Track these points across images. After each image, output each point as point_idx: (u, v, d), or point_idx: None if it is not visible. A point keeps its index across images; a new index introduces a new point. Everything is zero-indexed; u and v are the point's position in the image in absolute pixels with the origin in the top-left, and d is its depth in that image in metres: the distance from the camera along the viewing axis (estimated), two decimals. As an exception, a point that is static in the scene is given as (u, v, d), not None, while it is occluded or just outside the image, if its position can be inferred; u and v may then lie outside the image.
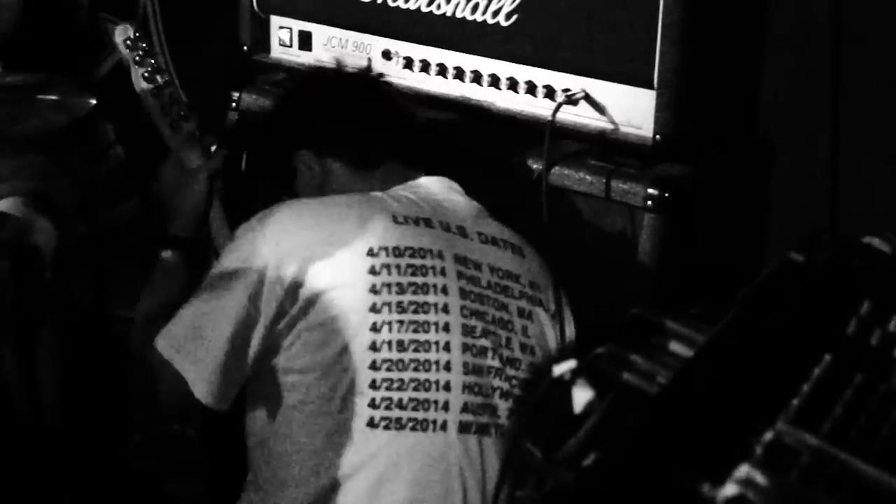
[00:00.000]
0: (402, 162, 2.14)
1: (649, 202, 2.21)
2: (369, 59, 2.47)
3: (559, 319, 2.03)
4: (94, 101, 2.45)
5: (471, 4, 2.37)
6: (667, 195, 2.20)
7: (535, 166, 2.30)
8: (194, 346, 1.89)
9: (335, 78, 2.28)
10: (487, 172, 2.27)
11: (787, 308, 1.20)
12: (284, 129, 2.21)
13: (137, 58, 2.23)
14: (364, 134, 2.16)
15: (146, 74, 2.23)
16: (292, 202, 2.03)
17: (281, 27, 2.67)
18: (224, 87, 2.79)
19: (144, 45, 2.24)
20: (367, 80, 2.28)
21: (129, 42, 2.23)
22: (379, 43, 2.53)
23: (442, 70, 2.44)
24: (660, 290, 2.21)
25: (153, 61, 2.24)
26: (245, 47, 2.71)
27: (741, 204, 2.48)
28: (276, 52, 2.70)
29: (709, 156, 2.33)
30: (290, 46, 2.67)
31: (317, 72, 2.42)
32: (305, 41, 2.65)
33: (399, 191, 2.06)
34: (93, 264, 3.09)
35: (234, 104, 2.67)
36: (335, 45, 2.60)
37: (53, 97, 2.48)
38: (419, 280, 1.91)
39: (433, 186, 2.09)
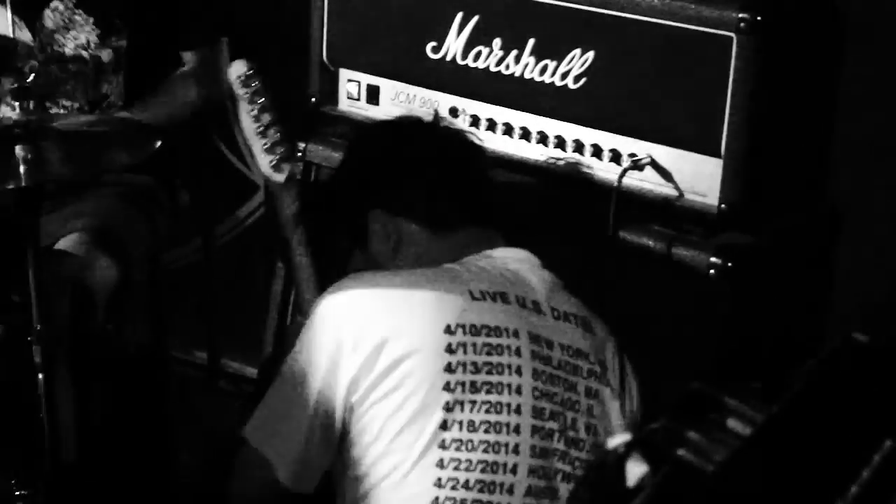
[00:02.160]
0: (479, 226, 2.10)
1: (713, 271, 2.19)
2: (435, 112, 2.45)
3: (623, 395, 2.01)
4: (159, 142, 2.49)
5: (539, 66, 2.38)
6: (730, 264, 2.19)
7: (599, 231, 2.29)
8: (279, 431, 1.91)
9: (411, 130, 2.24)
10: (550, 235, 2.26)
11: (848, 390, 1.18)
12: (355, 186, 2.19)
13: (248, 95, 2.28)
14: (441, 193, 2.11)
15: (254, 113, 2.28)
16: (367, 275, 2.01)
17: (349, 80, 2.69)
18: (289, 138, 2.81)
19: (257, 82, 2.28)
20: (445, 134, 2.23)
21: (242, 78, 2.28)
22: (446, 100, 2.54)
23: (508, 129, 2.45)
24: (721, 360, 2.19)
25: (263, 100, 2.28)
26: (313, 99, 2.73)
27: (806, 274, 2.46)
28: (344, 104, 2.71)
29: (774, 225, 2.31)
30: (358, 100, 2.69)
31: (391, 123, 2.35)
32: (373, 95, 2.66)
33: (476, 261, 2.02)
34: (153, 306, 3.12)
35: (299, 154, 2.69)
36: (403, 101, 2.62)
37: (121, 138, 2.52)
38: (494, 360, 1.89)
39: (510, 258, 2.04)
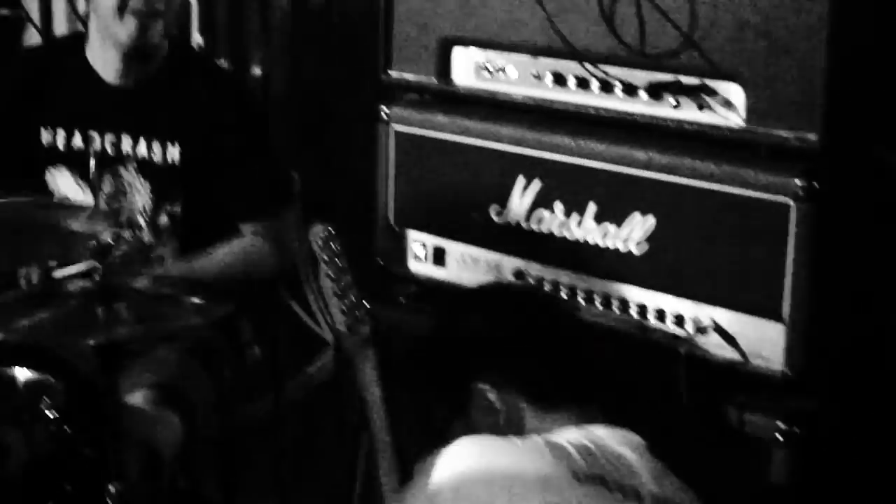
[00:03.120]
0: (582, 402, 2.07)
1: (781, 437, 2.17)
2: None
3: None
4: (233, 306, 2.53)
5: (601, 230, 2.40)
6: (799, 431, 2.17)
7: (668, 397, 2.28)
8: None
9: (516, 299, 2.25)
10: (617, 401, 2.25)
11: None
12: (460, 358, 2.15)
13: (326, 257, 2.33)
14: (547, 368, 2.09)
15: (332, 275, 2.32)
16: (467, 446, 1.97)
17: (416, 241, 2.73)
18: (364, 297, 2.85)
19: (335, 245, 2.33)
20: (548, 304, 2.26)
21: (322, 241, 2.33)
22: (511, 263, 2.56)
23: (572, 294, 2.46)
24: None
25: (341, 263, 2.33)
26: (380, 260, 2.77)
27: (876, 441, 2.42)
28: (411, 265, 2.75)
29: (842, 390, 2.29)
30: (425, 261, 2.72)
31: (493, 290, 2.36)
32: (440, 257, 2.70)
33: (579, 438, 1.97)
34: (223, 461, 3.14)
35: (373, 315, 2.72)
36: (469, 262, 2.64)
37: (196, 300, 2.56)
38: None
39: (613, 440, 1.99)
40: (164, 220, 2.96)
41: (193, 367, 2.95)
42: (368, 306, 2.33)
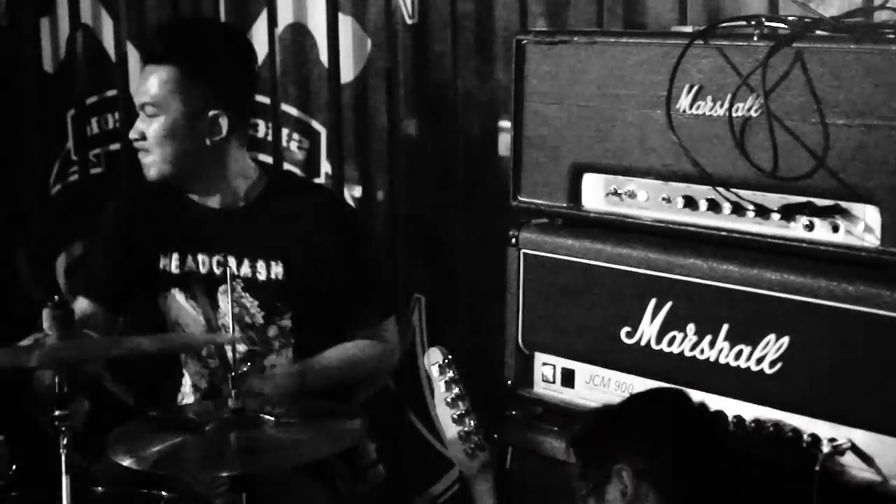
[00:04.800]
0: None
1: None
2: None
3: None
4: (360, 428, 2.56)
5: (734, 351, 2.41)
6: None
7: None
8: None
9: (669, 405, 2.31)
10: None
11: None
12: (611, 442, 2.24)
13: (445, 382, 2.34)
14: (688, 472, 2.16)
15: (450, 400, 2.34)
16: None
17: (544, 364, 2.76)
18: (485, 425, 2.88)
19: (453, 371, 2.35)
20: (698, 411, 2.30)
21: (440, 366, 2.35)
22: (640, 383, 2.58)
23: (704, 414, 2.46)
24: None
25: (458, 388, 2.35)
26: (509, 381, 2.79)
27: None
28: (539, 387, 2.77)
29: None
30: (553, 382, 2.74)
31: (653, 395, 2.43)
32: (568, 378, 2.72)
33: None
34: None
35: (495, 436, 2.75)
36: (598, 384, 2.67)
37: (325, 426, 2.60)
38: None
39: None
40: (273, 331, 3.05)
41: (314, 487, 2.99)
42: (486, 431, 2.34)
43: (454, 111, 3.58)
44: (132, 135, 3.05)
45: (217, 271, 3.07)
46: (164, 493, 2.71)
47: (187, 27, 3.29)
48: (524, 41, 2.74)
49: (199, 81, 2.99)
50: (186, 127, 3.00)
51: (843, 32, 2.36)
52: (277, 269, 3.03)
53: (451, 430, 2.36)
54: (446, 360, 2.35)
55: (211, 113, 3.00)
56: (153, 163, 3.02)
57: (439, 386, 2.36)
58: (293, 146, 3.99)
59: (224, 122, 3.01)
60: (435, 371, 2.37)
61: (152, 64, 3.02)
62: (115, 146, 4.42)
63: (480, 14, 3.58)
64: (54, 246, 4.61)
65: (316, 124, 3.94)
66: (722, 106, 2.42)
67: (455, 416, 2.35)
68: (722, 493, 2.16)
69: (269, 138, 3.97)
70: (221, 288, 3.07)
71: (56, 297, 2.45)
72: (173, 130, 2.99)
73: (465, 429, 2.34)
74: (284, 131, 3.99)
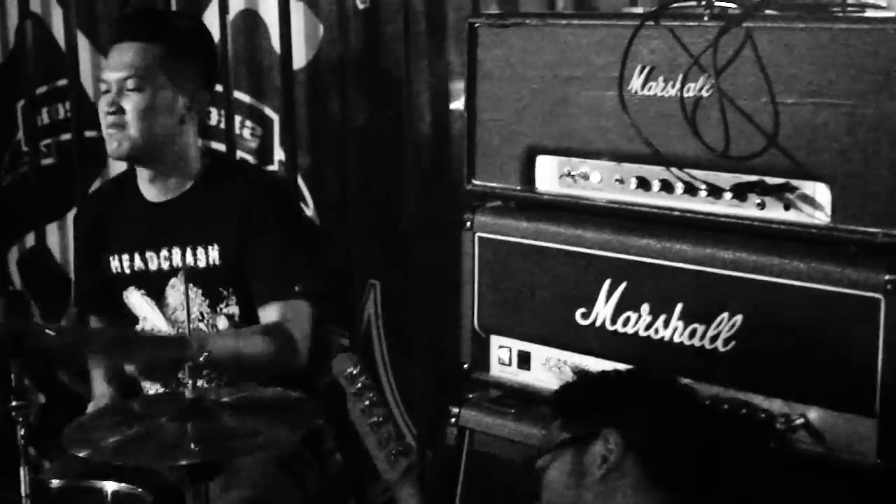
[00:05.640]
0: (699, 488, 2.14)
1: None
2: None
3: None
4: (321, 420, 2.54)
5: (688, 330, 2.43)
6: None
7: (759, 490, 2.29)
8: None
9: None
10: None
11: None
12: (609, 405, 2.24)
13: (355, 391, 2.30)
14: (678, 455, 2.17)
15: (363, 409, 2.30)
16: None
17: (500, 346, 2.76)
18: (440, 402, 2.89)
19: (364, 378, 2.30)
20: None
21: (347, 375, 2.30)
22: (597, 364, 2.58)
23: (660, 393, 2.48)
24: None
25: (372, 395, 2.30)
26: (465, 365, 2.80)
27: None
28: (495, 370, 2.77)
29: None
30: (509, 365, 2.75)
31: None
32: (524, 360, 2.72)
33: None
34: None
35: (453, 420, 2.75)
36: (553, 365, 2.67)
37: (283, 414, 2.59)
38: None
39: None
40: (222, 322, 3.04)
41: (281, 478, 2.98)
42: (405, 437, 2.30)
43: (407, 96, 3.57)
44: (108, 108, 3.00)
45: (164, 266, 3.07)
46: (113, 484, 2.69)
47: (160, 11, 3.31)
48: (476, 24, 2.74)
49: (183, 60, 3.04)
50: (171, 102, 3.01)
51: (792, 11, 2.38)
52: (214, 254, 3.03)
53: (369, 439, 2.30)
54: (357, 368, 2.28)
55: (192, 92, 3.03)
56: (127, 137, 3.00)
57: (351, 395, 2.30)
58: (246, 133, 3.97)
59: (202, 103, 3.08)
60: (345, 380, 2.30)
61: (130, 41, 3.01)
62: (66, 136, 4.38)
63: (432, -2, 3.58)
64: (6, 238, 4.56)
65: (268, 111, 3.93)
66: (674, 86, 2.43)
67: (371, 424, 2.29)
68: (701, 479, 2.16)
69: (222, 125, 3.95)
70: (170, 282, 3.07)
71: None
72: (157, 104, 3.00)
73: (384, 436, 2.28)
74: (237, 118, 3.96)
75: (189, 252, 3.04)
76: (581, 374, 2.43)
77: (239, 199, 3.03)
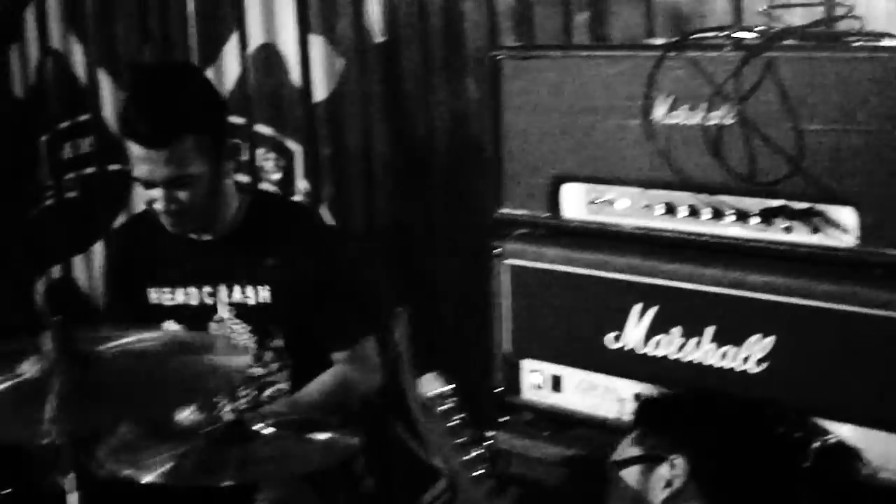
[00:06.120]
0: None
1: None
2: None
3: None
4: (357, 441, 2.61)
5: (720, 352, 2.49)
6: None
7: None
8: None
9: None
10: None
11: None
12: (682, 429, 2.26)
13: (442, 411, 2.32)
14: (743, 487, 2.18)
15: (448, 430, 2.32)
16: None
17: (532, 370, 2.82)
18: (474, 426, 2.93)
19: (453, 398, 2.33)
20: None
21: (435, 395, 2.33)
22: (629, 386, 2.65)
23: (693, 413, 2.53)
24: None
25: (461, 416, 2.34)
26: (497, 388, 2.86)
27: None
28: (528, 393, 2.83)
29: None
30: (541, 388, 2.81)
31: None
32: (556, 383, 2.78)
33: None
34: None
35: (488, 443, 2.80)
36: (586, 388, 2.73)
37: (323, 438, 2.65)
38: None
39: None
40: (269, 355, 3.10)
41: (312, 498, 3.03)
42: (489, 463, 2.34)
43: (427, 126, 3.63)
44: (165, 206, 3.00)
45: (208, 302, 3.12)
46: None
47: (168, 95, 3.05)
48: (499, 56, 2.80)
49: (208, 130, 3.02)
50: (212, 174, 3.02)
51: (811, 41, 2.45)
52: (265, 294, 3.09)
53: (452, 459, 2.33)
54: (446, 388, 2.31)
55: (223, 149, 3.07)
56: (186, 221, 3.06)
57: (435, 415, 2.32)
58: (269, 165, 4.03)
59: (233, 150, 3.10)
60: (430, 400, 2.33)
61: (158, 149, 2.94)
62: (89, 170, 4.45)
63: (448, 30, 3.64)
64: (33, 270, 4.62)
65: (290, 143, 3.99)
66: (697, 115, 2.50)
67: (458, 445, 2.31)
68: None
69: (246, 158, 4.01)
70: (215, 317, 3.12)
71: (59, 316, 2.45)
72: (209, 190, 3.03)
73: (472, 457, 2.30)
74: (259, 151, 4.03)
75: (237, 289, 3.10)
76: (665, 393, 2.44)
77: (289, 240, 3.09)
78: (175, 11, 4.17)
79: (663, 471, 2.20)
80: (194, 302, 3.14)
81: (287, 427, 2.62)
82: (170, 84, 3.09)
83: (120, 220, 4.21)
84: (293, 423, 2.66)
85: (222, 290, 3.11)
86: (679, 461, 2.18)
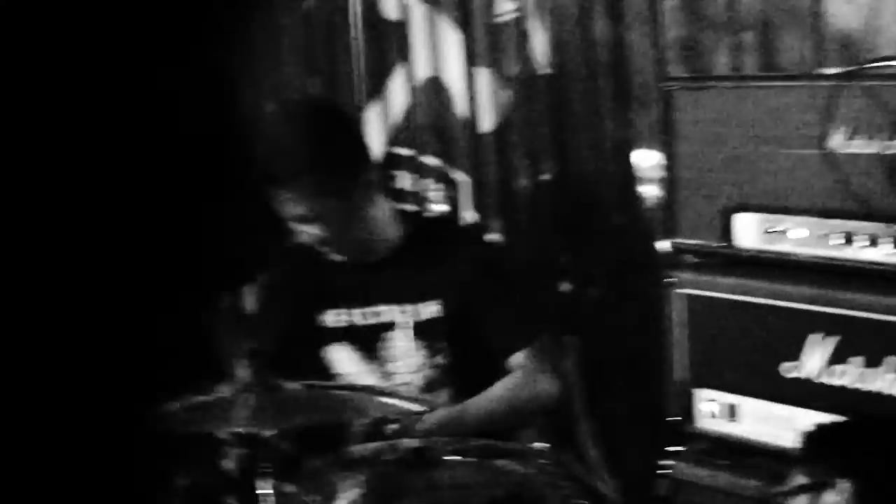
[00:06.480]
0: None
1: None
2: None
3: None
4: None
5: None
6: None
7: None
8: None
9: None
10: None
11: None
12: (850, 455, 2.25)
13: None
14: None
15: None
16: None
17: (708, 399, 2.83)
18: (648, 455, 2.96)
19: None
20: None
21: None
22: (805, 416, 2.64)
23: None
24: None
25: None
26: (674, 418, 2.88)
27: None
28: (703, 422, 2.85)
29: None
30: (716, 417, 2.82)
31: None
32: (731, 412, 2.79)
33: None
34: None
35: (667, 472, 2.82)
36: (761, 417, 2.74)
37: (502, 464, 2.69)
38: None
39: None
40: (431, 373, 3.16)
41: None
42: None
43: (594, 158, 3.68)
44: (308, 239, 3.10)
45: (377, 322, 3.19)
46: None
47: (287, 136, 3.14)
48: (671, 87, 2.84)
49: (334, 171, 3.07)
50: (355, 213, 3.11)
51: None
52: (434, 310, 3.15)
53: None
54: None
55: (359, 179, 3.12)
56: (338, 251, 3.15)
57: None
58: (435, 196, 4.11)
59: (372, 173, 3.16)
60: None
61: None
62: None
63: (615, 61, 3.68)
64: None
65: (457, 174, 4.07)
66: (875, 143, 2.50)
67: None
68: None
69: (412, 188, 4.10)
70: (388, 336, 3.19)
71: (254, 345, 2.53)
72: (348, 223, 3.10)
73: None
74: (426, 182, 4.12)
75: (409, 307, 3.17)
76: (834, 420, 2.45)
77: (457, 261, 3.15)
78: (341, 46, 4.28)
79: (829, 498, 2.20)
80: (365, 322, 3.21)
81: (470, 454, 2.66)
82: (291, 125, 3.17)
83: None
84: (476, 449, 2.70)
85: (392, 309, 3.17)
86: (845, 486, 2.18)
